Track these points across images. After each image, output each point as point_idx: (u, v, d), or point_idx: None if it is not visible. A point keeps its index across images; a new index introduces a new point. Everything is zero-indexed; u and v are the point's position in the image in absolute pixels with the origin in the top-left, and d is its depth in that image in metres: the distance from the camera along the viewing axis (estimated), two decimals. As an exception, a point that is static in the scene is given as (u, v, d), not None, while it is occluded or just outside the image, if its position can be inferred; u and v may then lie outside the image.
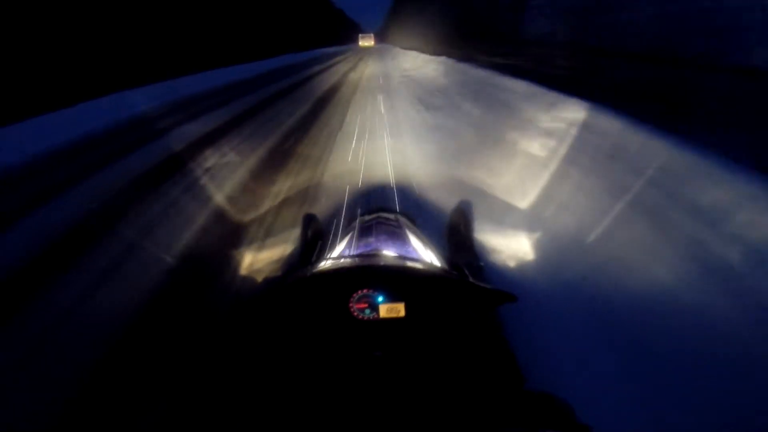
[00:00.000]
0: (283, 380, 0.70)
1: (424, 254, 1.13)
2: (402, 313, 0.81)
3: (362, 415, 0.61)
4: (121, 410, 1.37)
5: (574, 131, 3.23)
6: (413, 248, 1.15)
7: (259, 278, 2.08)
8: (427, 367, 0.72)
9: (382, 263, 0.90)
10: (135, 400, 1.41)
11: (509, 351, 0.82)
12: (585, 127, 3.21)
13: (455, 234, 1.70)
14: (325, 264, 0.93)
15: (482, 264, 1.62)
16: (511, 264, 1.87)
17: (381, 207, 1.52)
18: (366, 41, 41.19)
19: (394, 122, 5.37)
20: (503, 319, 1.27)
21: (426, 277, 0.86)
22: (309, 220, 1.74)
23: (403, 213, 1.54)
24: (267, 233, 2.47)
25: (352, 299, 0.82)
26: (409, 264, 0.90)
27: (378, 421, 0.60)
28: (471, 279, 0.91)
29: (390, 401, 0.63)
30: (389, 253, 1.03)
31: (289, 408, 0.63)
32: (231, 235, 2.51)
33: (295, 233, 2.30)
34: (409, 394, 0.64)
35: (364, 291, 0.82)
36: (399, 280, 0.83)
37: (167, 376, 1.50)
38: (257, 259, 2.23)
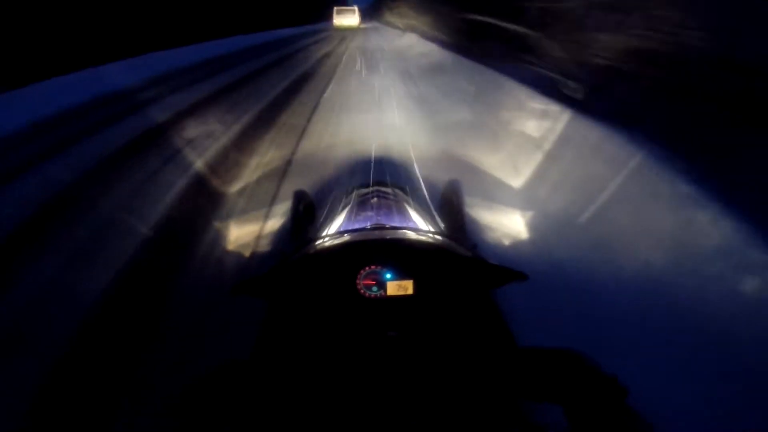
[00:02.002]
0: (292, 360, 0.66)
1: (427, 229, 1.09)
2: (410, 291, 0.78)
3: (374, 397, 0.58)
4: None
5: None
6: (415, 223, 1.12)
7: (246, 252, 2.03)
8: (437, 347, 0.70)
9: (390, 237, 0.86)
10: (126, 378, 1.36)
11: (504, 324, 0.80)
12: None
13: (447, 212, 1.67)
14: (329, 239, 0.88)
15: (476, 243, 1.60)
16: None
17: (378, 180, 1.47)
18: (345, 19, 25.51)
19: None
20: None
21: (437, 253, 0.82)
22: (299, 196, 1.68)
23: (399, 186, 1.50)
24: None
25: (359, 276, 0.78)
26: (419, 238, 0.86)
27: (392, 402, 0.58)
28: (477, 254, 0.88)
29: (401, 382, 0.60)
30: (394, 227, 0.99)
31: (299, 389, 0.60)
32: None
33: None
34: (421, 375, 0.61)
35: (372, 267, 0.78)
36: (408, 255, 0.79)
37: (162, 354, 1.46)
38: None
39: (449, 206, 1.57)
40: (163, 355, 1.47)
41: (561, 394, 0.57)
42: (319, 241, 0.88)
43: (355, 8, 27.40)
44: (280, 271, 0.81)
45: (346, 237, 0.86)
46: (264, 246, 2.07)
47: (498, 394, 0.61)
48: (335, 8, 27.15)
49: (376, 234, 0.88)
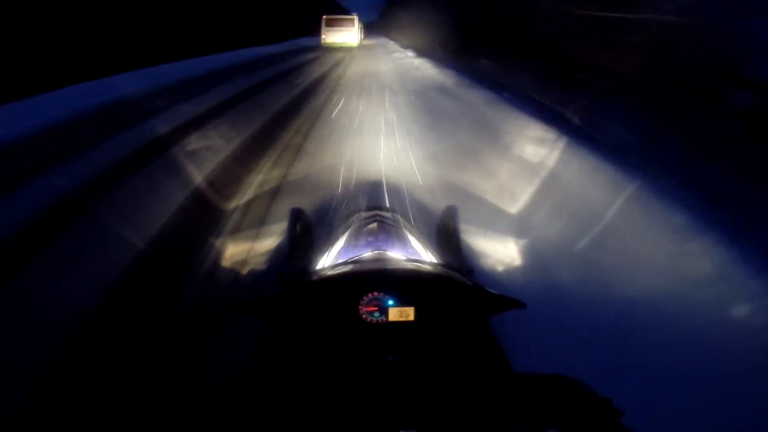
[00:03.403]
0: (289, 381, 0.68)
1: (426, 255, 1.13)
2: (411, 317, 0.80)
3: (373, 421, 0.60)
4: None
5: None
6: (414, 249, 1.15)
7: (244, 271, 2.04)
8: (436, 373, 0.72)
9: (393, 266, 0.88)
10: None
11: (499, 348, 0.83)
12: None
13: (444, 237, 1.71)
14: (333, 266, 0.91)
15: (472, 268, 1.63)
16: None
17: (378, 205, 1.51)
18: (338, 33, 16.69)
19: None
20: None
21: (438, 281, 0.85)
22: (297, 214, 1.70)
23: (398, 211, 1.53)
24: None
25: (362, 302, 0.80)
26: (420, 267, 0.89)
27: (389, 426, 0.59)
28: (476, 283, 0.91)
29: (401, 406, 0.62)
30: (396, 254, 1.02)
31: (295, 410, 0.62)
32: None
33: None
34: (420, 400, 0.63)
35: (375, 294, 0.80)
36: (410, 283, 0.82)
37: (158, 376, 1.45)
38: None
39: (446, 231, 1.60)
40: (154, 366, 1.48)
41: (556, 418, 0.59)
42: (323, 267, 0.90)
43: (355, 18, 17.28)
44: (285, 295, 0.83)
45: (350, 265, 0.88)
46: (261, 262, 2.09)
47: (493, 418, 0.63)
48: (324, 17, 16.68)
49: (380, 263, 0.91)
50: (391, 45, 19.76)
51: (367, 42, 20.29)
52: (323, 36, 16.56)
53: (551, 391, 0.61)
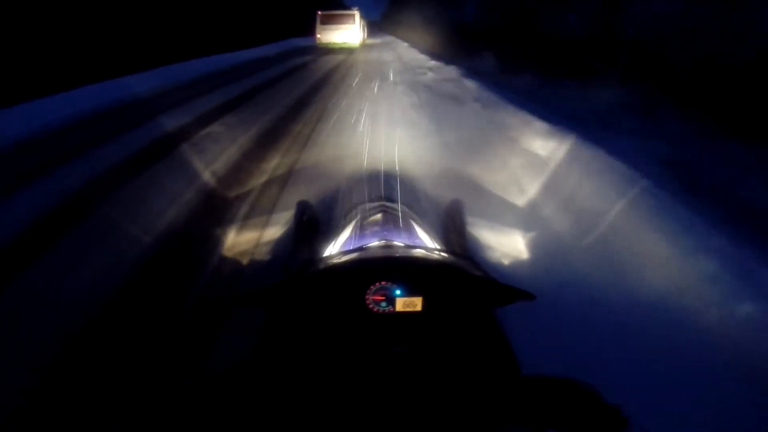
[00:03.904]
0: (296, 374, 0.67)
1: (433, 246, 1.11)
2: (419, 308, 0.79)
3: (379, 411, 0.59)
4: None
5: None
6: (420, 240, 1.13)
7: (245, 261, 2.03)
8: (442, 367, 0.71)
9: (402, 255, 0.87)
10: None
11: (508, 346, 0.82)
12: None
13: (448, 230, 1.69)
14: (340, 254, 0.89)
15: (477, 261, 1.61)
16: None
17: (384, 196, 1.49)
18: (337, 32, 14.10)
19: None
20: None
21: (447, 271, 0.84)
22: (303, 206, 1.69)
23: (405, 203, 1.51)
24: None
25: (369, 291, 0.79)
26: (430, 256, 0.88)
27: (395, 416, 0.58)
28: (486, 273, 0.89)
29: (406, 399, 0.61)
30: (403, 244, 1.00)
31: (303, 402, 0.61)
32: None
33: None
34: (425, 393, 0.62)
35: (383, 283, 0.79)
36: (419, 273, 0.81)
37: (163, 367, 1.44)
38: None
39: (452, 225, 1.59)
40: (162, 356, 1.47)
41: (562, 422, 0.58)
42: (330, 256, 0.89)
43: (356, 13, 14.70)
44: (290, 283, 0.82)
45: (358, 253, 0.87)
46: (266, 254, 2.08)
47: (499, 418, 0.62)
48: (319, 13, 14.21)
49: (388, 251, 0.89)
50: (404, 50, 14.34)
51: (371, 41, 18.17)
52: (318, 35, 14.15)
53: (560, 394, 0.60)
